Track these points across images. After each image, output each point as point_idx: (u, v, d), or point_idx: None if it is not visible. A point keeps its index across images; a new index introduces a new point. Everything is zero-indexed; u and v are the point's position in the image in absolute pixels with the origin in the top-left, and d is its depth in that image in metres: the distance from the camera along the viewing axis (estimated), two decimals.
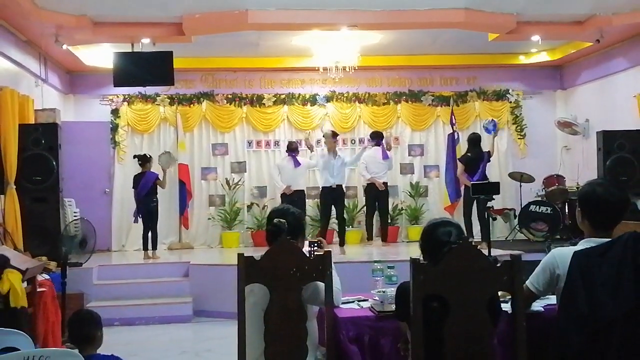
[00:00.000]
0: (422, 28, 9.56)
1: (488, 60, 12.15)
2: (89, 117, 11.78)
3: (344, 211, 10.73)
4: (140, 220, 10.25)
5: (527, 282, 3.24)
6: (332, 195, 10.28)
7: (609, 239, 3.09)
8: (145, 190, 10.05)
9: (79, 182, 10.46)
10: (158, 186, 10.21)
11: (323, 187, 10.44)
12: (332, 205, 10.35)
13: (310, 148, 11.26)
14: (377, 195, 10.84)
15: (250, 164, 12.29)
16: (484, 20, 9.14)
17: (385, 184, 10.88)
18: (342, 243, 10.32)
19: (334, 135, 10.68)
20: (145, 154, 10.42)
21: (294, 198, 10.46)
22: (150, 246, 10.16)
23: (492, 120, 11.34)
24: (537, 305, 3.53)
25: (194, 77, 12.07)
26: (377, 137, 11.07)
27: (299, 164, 10.96)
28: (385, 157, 10.88)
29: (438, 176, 12.46)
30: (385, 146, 10.90)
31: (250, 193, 12.17)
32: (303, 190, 11.10)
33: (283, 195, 10.82)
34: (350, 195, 12.06)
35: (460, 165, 10.75)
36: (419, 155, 12.60)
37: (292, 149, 11.16)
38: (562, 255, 3.13)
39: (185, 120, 12.02)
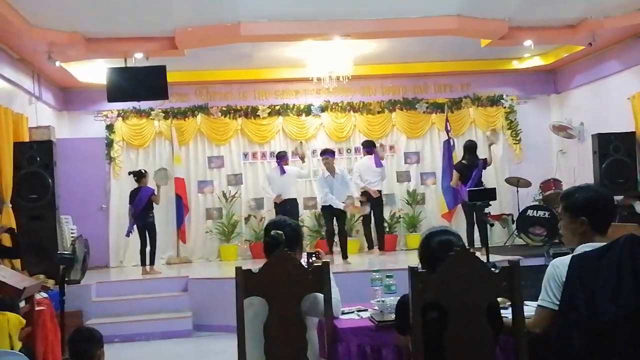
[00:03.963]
0: (415, 36, 9.57)
1: (481, 66, 12.16)
2: (83, 134, 11.76)
3: (344, 223, 10.63)
4: (134, 235, 10.23)
5: (538, 303, 3.17)
6: (332, 212, 10.26)
7: (606, 242, 3.07)
8: (141, 205, 10.02)
9: (75, 199, 10.44)
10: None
11: (322, 206, 10.38)
12: (335, 218, 10.32)
13: (302, 159, 11.20)
14: (371, 204, 10.83)
15: (247, 176, 12.27)
16: (476, 27, 9.16)
17: (379, 192, 10.87)
18: (344, 256, 10.11)
19: (324, 153, 10.50)
20: (140, 170, 10.40)
21: (286, 207, 10.40)
22: (148, 261, 10.13)
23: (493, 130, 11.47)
24: None
25: (188, 91, 12.06)
26: (369, 146, 11.06)
27: (284, 172, 10.87)
28: (379, 164, 10.84)
29: (435, 183, 12.44)
30: (378, 154, 10.90)
31: (247, 205, 12.15)
32: (295, 199, 10.98)
33: (275, 205, 10.78)
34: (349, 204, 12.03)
35: (455, 174, 10.72)
36: (415, 163, 12.59)
37: (279, 157, 11.11)
38: (563, 263, 3.10)
39: (180, 134, 12.01)
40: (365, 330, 3.74)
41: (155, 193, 10.16)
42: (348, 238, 11.58)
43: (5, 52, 8.89)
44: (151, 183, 10.36)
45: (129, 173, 10.48)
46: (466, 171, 10.42)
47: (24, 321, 4.66)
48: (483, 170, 10.57)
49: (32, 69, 9.90)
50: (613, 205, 3.29)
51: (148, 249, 10.14)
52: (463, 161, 10.63)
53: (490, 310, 3.10)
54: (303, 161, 11.24)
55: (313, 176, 11.94)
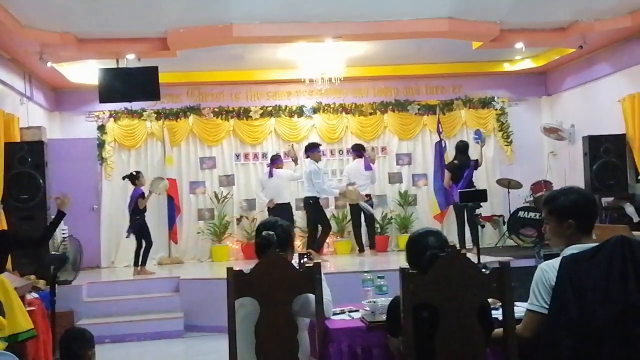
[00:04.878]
0: (407, 38, 9.58)
1: (473, 68, 12.20)
2: (75, 134, 11.74)
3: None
4: (131, 236, 10.25)
5: (527, 307, 3.16)
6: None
7: (595, 244, 3.09)
8: (131, 207, 10.07)
9: None
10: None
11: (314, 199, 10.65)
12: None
13: (295, 161, 11.21)
14: (360, 207, 10.86)
15: (239, 177, 12.26)
16: (467, 29, 9.18)
17: (368, 195, 10.92)
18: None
19: (316, 146, 10.89)
20: (132, 173, 10.39)
21: (279, 212, 10.39)
22: (140, 261, 10.12)
23: (477, 130, 11.45)
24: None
25: (180, 92, 12.05)
26: (358, 149, 11.11)
27: (272, 175, 10.89)
28: (368, 168, 10.89)
29: (426, 184, 12.47)
30: (368, 158, 10.94)
31: (239, 206, 12.14)
32: (288, 203, 10.97)
33: (268, 210, 10.77)
34: (340, 205, 12.06)
35: (447, 174, 10.78)
36: (407, 164, 12.61)
37: (271, 160, 11.16)
38: (551, 267, 3.11)
39: (172, 135, 12.00)
40: (356, 330, 3.75)
41: (144, 196, 10.12)
42: (339, 239, 11.69)
43: None
44: (146, 188, 10.35)
45: (123, 178, 10.46)
46: (458, 171, 10.49)
47: (4, 321, 4.62)
48: (474, 171, 10.65)
49: (23, 69, 9.88)
50: (596, 207, 3.32)
51: (142, 250, 10.13)
52: (455, 161, 10.70)
53: (481, 311, 3.12)
54: (296, 163, 11.24)
55: None
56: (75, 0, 7.96)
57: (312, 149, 10.76)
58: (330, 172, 12.09)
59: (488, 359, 3.31)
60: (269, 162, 11.20)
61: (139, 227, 10.14)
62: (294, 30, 8.98)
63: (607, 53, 10.62)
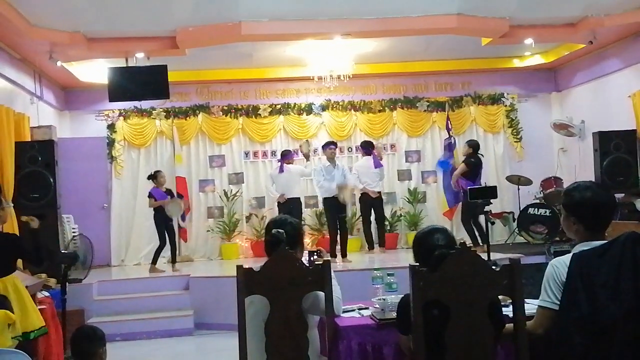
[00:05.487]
0: (415, 35, 9.58)
1: (482, 64, 12.17)
2: (85, 133, 11.78)
3: (345, 221, 10.67)
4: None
5: (539, 304, 3.13)
6: (335, 209, 10.32)
7: (606, 241, 3.06)
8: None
9: (76, 198, 10.46)
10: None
11: (324, 199, 10.52)
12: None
13: (307, 157, 11.18)
14: (371, 204, 10.85)
15: (248, 175, 12.28)
16: (476, 25, 9.17)
17: (379, 192, 10.89)
18: (343, 254, 10.23)
19: (331, 144, 10.75)
20: (151, 172, 10.49)
21: (289, 207, 10.41)
22: (152, 259, 10.26)
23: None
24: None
25: (189, 90, 12.08)
26: (367, 146, 11.06)
27: (282, 170, 10.83)
28: (378, 165, 10.85)
29: (436, 182, 12.44)
30: (376, 155, 10.91)
31: (248, 204, 12.16)
32: (299, 198, 11.00)
33: (279, 204, 10.79)
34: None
35: (462, 166, 10.61)
36: (416, 162, 12.59)
37: (282, 156, 11.11)
38: (562, 263, 3.09)
39: (181, 133, 12.03)
40: (366, 328, 3.75)
41: (154, 199, 10.14)
42: (349, 237, 11.64)
43: (6, 52, 8.90)
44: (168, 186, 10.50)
45: (148, 178, 10.52)
46: (475, 169, 10.43)
47: (13, 316, 4.63)
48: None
49: (33, 69, 9.92)
50: (608, 209, 3.19)
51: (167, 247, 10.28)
52: (472, 159, 10.54)
53: (491, 308, 3.11)
54: (307, 159, 11.20)
55: None
56: (85, 0, 8.00)
57: (323, 147, 10.76)
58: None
59: (499, 356, 3.29)
60: (280, 157, 11.17)
61: (155, 225, 10.20)
62: (303, 28, 8.98)
63: (617, 48, 10.57)
